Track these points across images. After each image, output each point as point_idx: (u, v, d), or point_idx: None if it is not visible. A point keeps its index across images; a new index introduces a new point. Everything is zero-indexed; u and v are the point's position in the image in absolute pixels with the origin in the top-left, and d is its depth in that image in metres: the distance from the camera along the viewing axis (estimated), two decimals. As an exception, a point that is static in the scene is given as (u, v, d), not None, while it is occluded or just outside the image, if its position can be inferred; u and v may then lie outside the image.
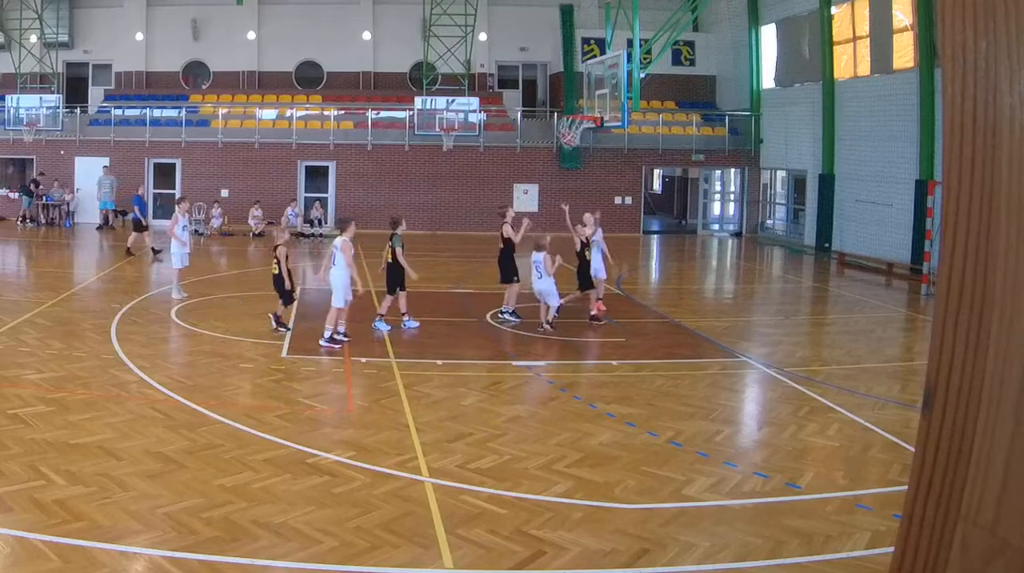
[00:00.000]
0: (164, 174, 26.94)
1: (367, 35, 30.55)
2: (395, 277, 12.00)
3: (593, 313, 13.05)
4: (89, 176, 25.96)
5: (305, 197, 26.93)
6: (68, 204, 26.07)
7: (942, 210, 2.17)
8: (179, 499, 6.12)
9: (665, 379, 10.08)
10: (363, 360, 10.56)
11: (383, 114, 27.94)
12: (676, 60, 29.80)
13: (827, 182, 24.04)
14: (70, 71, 30.07)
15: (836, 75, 23.70)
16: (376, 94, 30.00)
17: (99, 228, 25.37)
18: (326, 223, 25.84)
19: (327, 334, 11.12)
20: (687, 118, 28.83)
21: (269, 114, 28.04)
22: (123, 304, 13.57)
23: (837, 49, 23.68)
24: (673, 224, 32.05)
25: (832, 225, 23.88)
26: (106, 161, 26.02)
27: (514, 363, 10.67)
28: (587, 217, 13.84)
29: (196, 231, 23.84)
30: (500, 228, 13.23)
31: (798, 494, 6.64)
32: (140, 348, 10.88)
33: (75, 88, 29.90)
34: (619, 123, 19.57)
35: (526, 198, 27.22)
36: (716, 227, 30.26)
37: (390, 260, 11.99)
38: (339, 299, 11.21)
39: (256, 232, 24.60)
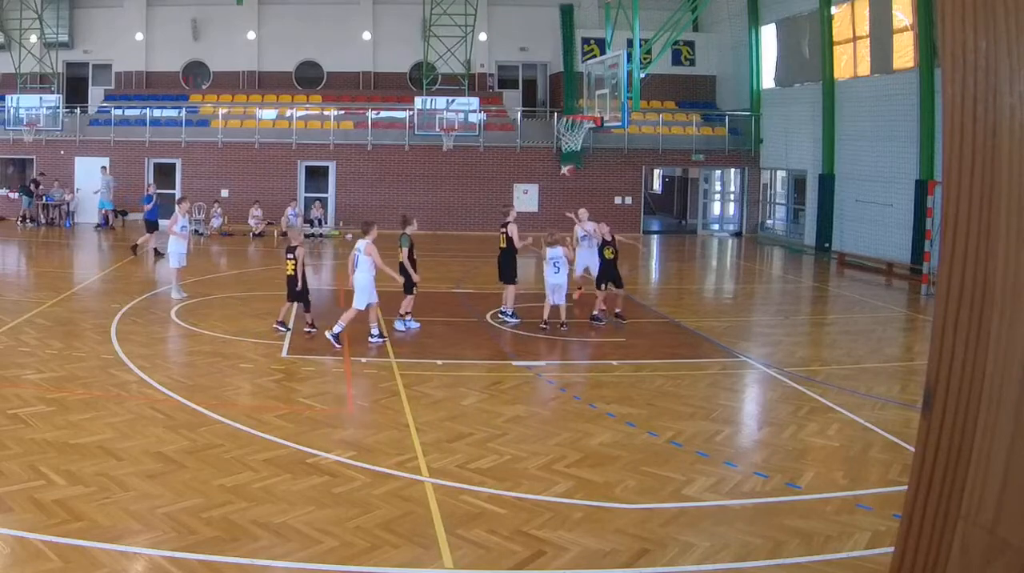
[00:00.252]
0: (164, 174, 26.92)
1: (367, 35, 30.55)
2: (408, 276, 12.02)
3: (595, 313, 13.05)
4: (89, 176, 25.96)
5: (305, 197, 26.92)
6: (68, 204, 26.06)
7: (942, 210, 2.17)
8: (179, 499, 6.12)
9: (665, 379, 10.08)
10: (363, 360, 10.56)
11: (383, 114, 27.94)
12: (676, 60, 29.80)
13: (827, 182, 24.04)
14: (70, 71, 30.08)
15: (836, 75, 23.71)
16: (376, 94, 30.00)
17: (97, 228, 25.37)
18: (326, 223, 25.83)
19: (339, 330, 11.14)
20: (687, 118, 28.84)
21: (269, 114, 28.04)
22: (123, 304, 13.57)
23: (837, 49, 23.68)
24: (673, 224, 32.05)
25: (832, 225, 23.87)
26: (103, 162, 26.02)
27: (514, 363, 10.67)
28: (582, 212, 14.20)
29: (196, 231, 23.85)
30: (504, 228, 13.16)
31: (798, 494, 6.64)
32: (140, 348, 10.88)
33: (75, 88, 29.90)
34: (619, 123, 19.55)
35: (526, 198, 27.23)
36: (716, 227, 30.26)
37: (414, 258, 12.07)
38: (361, 301, 11.27)
39: (256, 232, 24.60)
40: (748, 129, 28.08)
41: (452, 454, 7.31)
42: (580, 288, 14.39)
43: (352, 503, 6.20)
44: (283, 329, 11.78)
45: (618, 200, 27.93)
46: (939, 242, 2.25)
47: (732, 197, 29.92)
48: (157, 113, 27.36)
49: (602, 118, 20.17)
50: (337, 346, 11.01)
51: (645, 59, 20.21)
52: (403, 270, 11.95)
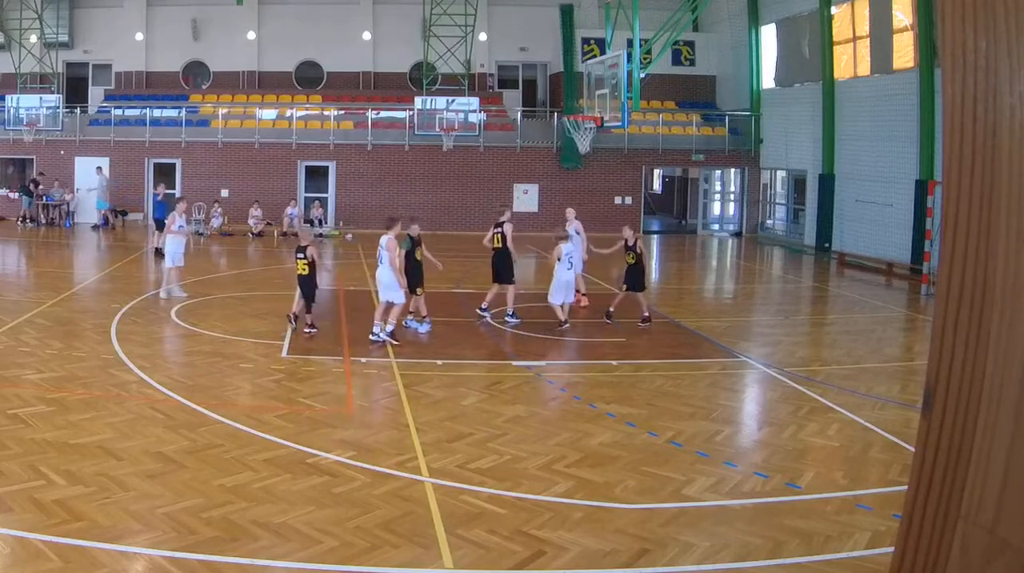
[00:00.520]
0: (164, 174, 26.93)
1: (367, 35, 30.55)
2: (416, 276, 12.02)
3: (645, 314, 13.08)
4: (89, 176, 25.97)
5: (305, 197, 26.93)
6: (68, 204, 26.06)
7: (942, 210, 2.17)
8: (179, 499, 6.12)
9: (665, 379, 10.08)
10: (363, 360, 10.56)
11: (383, 114, 27.94)
12: (676, 60, 29.80)
13: (827, 182, 24.04)
14: (70, 71, 30.07)
15: (836, 75, 23.71)
16: (376, 94, 30.00)
17: (95, 228, 25.37)
18: (326, 223, 25.84)
19: (391, 329, 11.31)
20: (687, 118, 28.84)
21: (269, 114, 28.05)
22: (123, 304, 13.57)
23: (837, 49, 23.68)
24: (673, 224, 32.06)
25: (832, 225, 23.87)
26: (99, 162, 26.01)
27: (514, 363, 10.67)
28: (569, 212, 14.58)
29: (196, 231, 23.85)
30: (499, 227, 13.19)
31: (798, 494, 6.64)
32: (140, 348, 10.88)
33: (75, 88, 29.90)
34: (619, 123, 19.55)
35: (526, 198, 27.23)
36: (716, 227, 30.26)
37: (418, 258, 12.06)
38: (399, 295, 11.37)
39: (255, 232, 24.60)
40: (748, 129, 28.08)
41: (452, 454, 7.31)
42: (584, 295, 14.43)
43: (352, 503, 6.20)
44: (295, 324, 11.77)
45: (618, 200, 27.94)
46: (939, 242, 2.25)
47: (732, 197, 29.93)
48: (157, 113, 27.36)
49: (602, 118, 20.17)
50: (396, 343, 11.22)
51: (645, 59, 20.21)
52: (415, 268, 11.97)
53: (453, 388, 9.50)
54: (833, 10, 23.53)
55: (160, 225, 19.83)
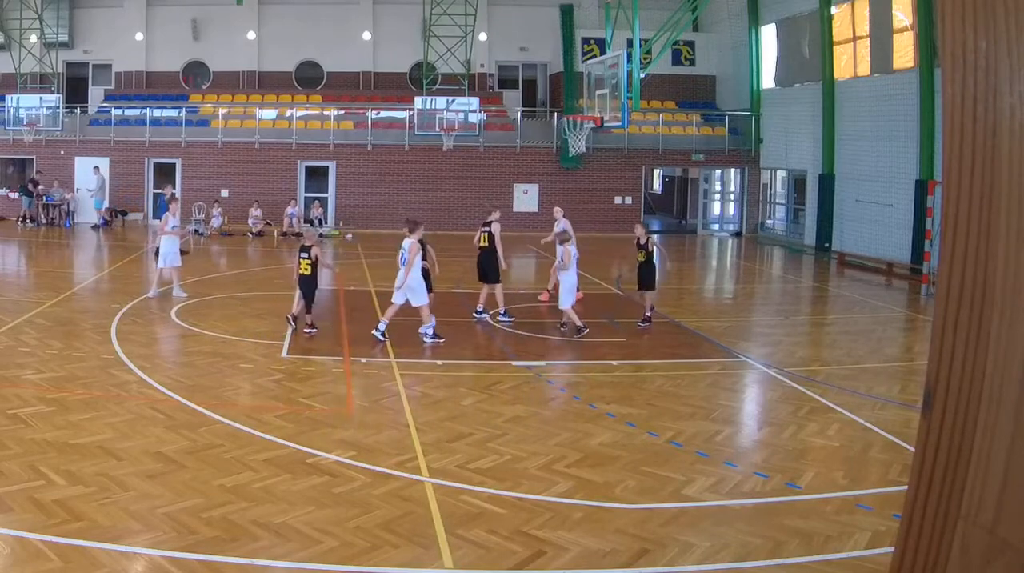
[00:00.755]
0: (164, 174, 26.94)
1: (367, 35, 30.55)
2: (428, 278, 12.02)
3: (647, 314, 13.15)
4: (89, 177, 25.97)
5: (305, 197, 26.93)
6: (68, 204, 26.07)
7: (942, 210, 2.17)
8: (179, 499, 6.12)
9: (665, 379, 10.08)
10: (363, 360, 10.56)
11: (383, 114, 27.94)
12: (676, 60, 29.80)
13: (827, 182, 24.04)
14: (70, 71, 30.07)
15: (836, 75, 23.70)
16: (376, 94, 30.00)
17: (95, 228, 25.38)
18: (326, 223, 25.84)
19: (430, 330, 11.41)
20: (687, 118, 28.84)
21: (269, 114, 28.04)
22: (123, 304, 13.57)
23: (837, 49, 23.68)
24: (673, 224, 32.06)
25: (832, 225, 23.87)
26: (96, 162, 26.01)
27: (514, 363, 10.67)
28: (557, 211, 14.87)
29: (196, 231, 23.86)
30: (487, 227, 13.29)
31: (798, 494, 6.64)
32: (140, 348, 10.88)
33: (75, 88, 29.90)
34: (619, 123, 19.54)
35: (526, 198, 27.23)
36: (716, 227, 30.26)
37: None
38: (422, 298, 11.41)
39: (254, 232, 24.61)
40: (748, 129, 28.08)
41: (452, 454, 7.31)
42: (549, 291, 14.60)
43: (352, 503, 6.20)
44: (295, 325, 11.76)
45: (618, 200, 27.94)
46: (939, 242, 2.24)
47: (732, 197, 29.93)
48: (157, 113, 27.36)
49: (602, 118, 20.16)
50: (441, 340, 11.35)
51: (645, 59, 20.21)
52: (425, 271, 12.00)
53: (453, 388, 9.50)
54: (833, 10, 23.53)
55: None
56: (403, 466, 6.97)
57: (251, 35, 30.08)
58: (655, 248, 13.30)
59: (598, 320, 13.21)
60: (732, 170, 29.12)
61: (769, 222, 28.58)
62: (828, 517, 6.18)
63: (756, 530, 5.94)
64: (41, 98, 26.42)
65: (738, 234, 28.61)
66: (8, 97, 26.34)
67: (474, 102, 27.15)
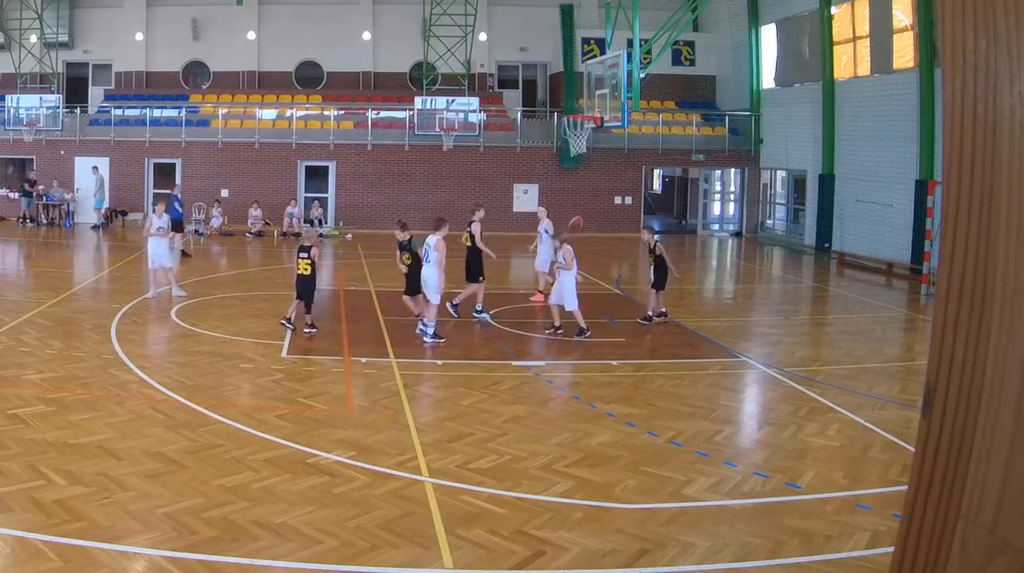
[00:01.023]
0: (164, 174, 26.94)
1: (367, 35, 30.55)
2: (414, 280, 12.03)
3: (661, 311, 13.27)
4: (90, 176, 25.97)
5: (305, 197, 26.93)
6: (68, 204, 26.07)
7: (942, 210, 2.17)
8: (179, 499, 6.12)
9: (665, 379, 10.08)
10: (363, 360, 10.56)
11: (383, 114, 27.94)
12: (676, 60, 29.80)
13: (827, 182, 24.04)
14: (70, 71, 30.07)
15: (836, 75, 23.70)
16: (376, 94, 30.00)
17: (95, 228, 25.39)
18: (326, 223, 25.84)
19: (431, 330, 11.44)
20: (687, 118, 28.83)
21: (269, 114, 28.04)
22: (123, 304, 13.57)
23: (837, 49, 23.68)
24: (673, 224, 32.05)
25: (832, 225, 23.88)
26: (95, 162, 26.00)
27: (514, 363, 10.67)
28: (541, 211, 15.15)
29: (196, 231, 23.86)
30: (468, 227, 13.38)
31: (798, 494, 6.64)
32: (140, 348, 10.89)
33: (75, 88, 29.89)
34: (619, 123, 19.52)
35: (526, 198, 27.22)
36: (716, 227, 30.26)
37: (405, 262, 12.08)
38: (435, 296, 11.52)
39: (253, 232, 24.61)
40: (748, 129, 28.08)
41: (452, 454, 7.31)
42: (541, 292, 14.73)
43: (352, 503, 6.20)
44: (289, 326, 11.76)
45: (618, 200, 27.94)
46: (939, 242, 2.24)
47: (732, 197, 29.93)
48: (157, 113, 27.36)
49: (602, 118, 20.15)
50: (442, 340, 11.40)
51: (645, 59, 20.20)
52: (405, 276, 12.00)
53: (453, 388, 9.50)
54: (833, 10, 23.52)
55: (177, 225, 19.91)
56: (403, 466, 6.97)
57: (251, 35, 30.08)
58: (662, 251, 13.33)
59: (597, 320, 13.21)
60: (732, 170, 29.12)
61: (769, 222, 28.57)
62: (828, 517, 6.18)
63: (756, 530, 5.94)
64: (41, 98, 26.42)
65: (738, 234, 28.60)
66: (8, 97, 26.34)
67: (474, 102, 27.15)
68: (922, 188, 19.10)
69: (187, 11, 29.59)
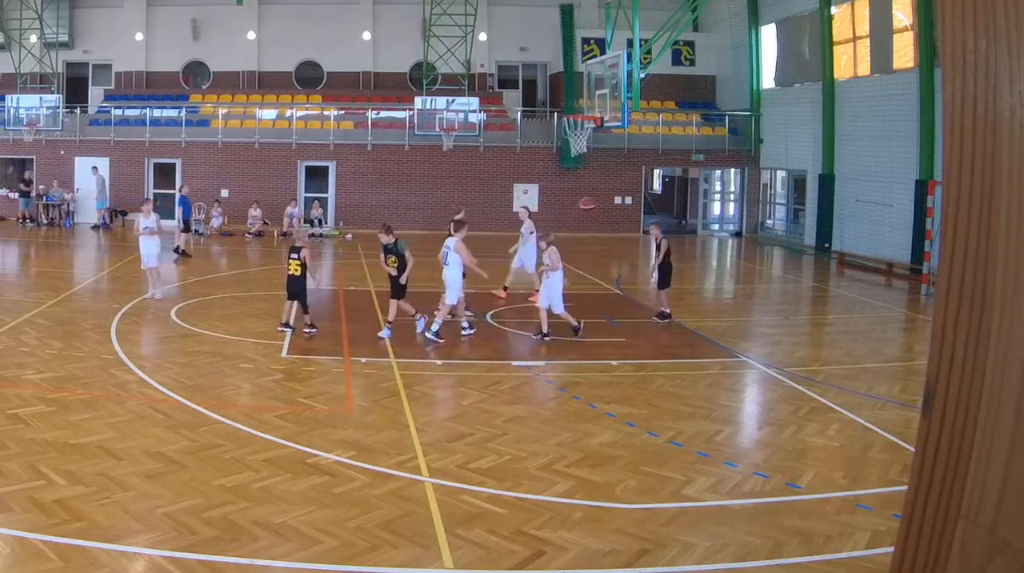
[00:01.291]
0: (164, 174, 26.94)
1: (367, 35, 30.55)
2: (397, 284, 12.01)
3: (665, 311, 13.37)
4: (89, 177, 25.98)
5: (305, 197, 26.93)
6: (68, 204, 26.07)
7: (942, 210, 2.17)
8: (179, 499, 6.12)
9: (665, 379, 10.08)
10: (363, 360, 10.56)
11: (383, 114, 27.94)
12: (676, 60, 29.80)
13: (827, 182, 24.04)
14: (70, 71, 30.06)
15: (836, 75, 23.70)
16: (376, 94, 30.00)
17: (95, 228, 25.38)
18: (326, 223, 25.84)
19: (435, 327, 11.52)
20: (687, 118, 28.84)
21: (269, 114, 28.04)
22: (123, 304, 13.57)
23: (837, 49, 23.68)
24: (673, 224, 32.02)
25: (832, 225, 23.87)
26: (95, 162, 26.01)
27: (514, 363, 10.67)
28: (522, 212, 15.20)
29: (196, 231, 23.85)
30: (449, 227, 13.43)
31: (798, 494, 6.64)
32: (140, 348, 10.89)
33: (75, 88, 29.89)
34: (619, 123, 19.52)
35: (526, 198, 27.22)
36: (716, 227, 30.26)
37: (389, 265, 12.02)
38: (453, 297, 11.66)
39: (253, 232, 24.61)
40: (748, 129, 28.08)
41: (452, 454, 7.31)
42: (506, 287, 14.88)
43: (352, 503, 6.20)
44: (287, 329, 11.76)
45: (618, 200, 27.94)
46: (939, 242, 2.24)
47: (732, 197, 29.93)
48: (157, 113, 27.36)
49: (602, 118, 20.15)
50: (441, 341, 11.44)
51: (645, 59, 20.20)
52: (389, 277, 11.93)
53: (453, 388, 9.50)
54: (833, 10, 23.52)
55: (186, 225, 20.01)
56: (403, 466, 6.97)
57: (251, 35, 30.07)
58: (666, 249, 13.35)
59: (597, 320, 13.21)
60: (732, 170, 29.12)
61: (769, 222, 28.58)
62: (828, 517, 6.18)
63: (756, 530, 5.94)
64: (41, 98, 26.42)
65: (738, 234, 28.60)
66: (8, 97, 26.34)
67: (474, 102, 27.15)
68: (922, 188, 19.10)
69: (187, 11, 29.59)
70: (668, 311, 13.42)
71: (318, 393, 9.20)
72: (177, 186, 25.51)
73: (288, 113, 27.73)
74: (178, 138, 26.61)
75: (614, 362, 10.88)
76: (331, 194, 27.27)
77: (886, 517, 6.06)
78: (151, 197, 19.69)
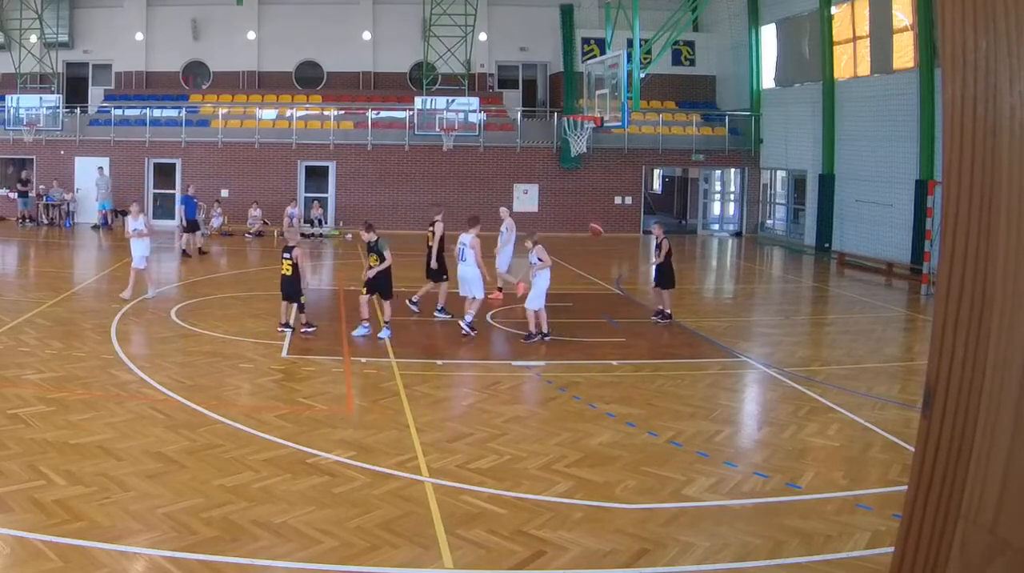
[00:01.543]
0: (164, 174, 26.92)
1: (367, 35, 30.54)
2: (383, 284, 12.01)
3: (668, 311, 13.36)
4: (89, 177, 25.97)
5: (305, 197, 26.92)
6: (68, 204, 26.07)
7: (942, 210, 2.16)
8: (179, 499, 6.12)
9: (665, 379, 10.08)
10: (363, 360, 10.56)
11: (383, 114, 27.93)
12: (676, 60, 29.79)
13: (827, 182, 24.04)
14: (70, 71, 30.06)
15: (836, 75, 23.70)
16: (376, 94, 29.99)
17: (95, 228, 25.37)
18: (326, 223, 25.83)
19: (468, 318, 11.74)
20: (687, 118, 28.83)
21: (269, 114, 28.03)
22: (123, 304, 13.56)
23: (837, 49, 23.68)
24: (673, 224, 32.00)
25: (832, 225, 23.87)
26: (100, 162, 26.02)
27: (514, 363, 10.67)
28: (503, 211, 15.47)
29: (202, 233, 23.80)
30: (432, 227, 13.41)
31: (798, 494, 6.64)
32: (140, 348, 10.89)
33: (75, 88, 29.88)
34: (619, 123, 19.52)
35: (526, 198, 27.22)
36: (716, 227, 30.25)
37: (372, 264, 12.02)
38: (479, 290, 11.90)
39: (252, 232, 24.60)
40: (748, 129, 28.08)
41: (452, 454, 7.31)
42: (501, 289, 14.87)
43: (352, 503, 6.20)
44: (287, 329, 11.76)
45: (618, 200, 27.94)
46: (939, 242, 2.24)
47: (732, 197, 29.92)
48: (157, 113, 27.35)
49: (602, 118, 20.15)
50: (473, 333, 11.70)
51: (645, 59, 20.19)
52: (370, 279, 11.83)
53: (453, 388, 9.51)
54: (833, 10, 23.52)
55: (192, 225, 20.00)
56: (403, 466, 6.97)
57: (251, 35, 30.07)
58: (667, 250, 13.33)
59: (597, 320, 13.22)
60: (732, 170, 29.12)
61: (769, 222, 28.57)
62: (828, 517, 6.18)
63: (756, 530, 5.94)
64: (41, 98, 26.41)
65: (738, 234, 28.60)
66: (8, 97, 26.33)
67: (474, 102, 27.14)
68: (922, 188, 19.10)
69: (187, 11, 29.58)
70: (669, 311, 13.40)
71: (318, 393, 9.20)
72: (181, 186, 25.57)
73: (288, 113, 27.72)
74: (178, 138, 26.61)
75: (614, 362, 10.88)
76: (331, 194, 27.26)
77: (886, 517, 6.06)
78: (140, 199, 19.70)
